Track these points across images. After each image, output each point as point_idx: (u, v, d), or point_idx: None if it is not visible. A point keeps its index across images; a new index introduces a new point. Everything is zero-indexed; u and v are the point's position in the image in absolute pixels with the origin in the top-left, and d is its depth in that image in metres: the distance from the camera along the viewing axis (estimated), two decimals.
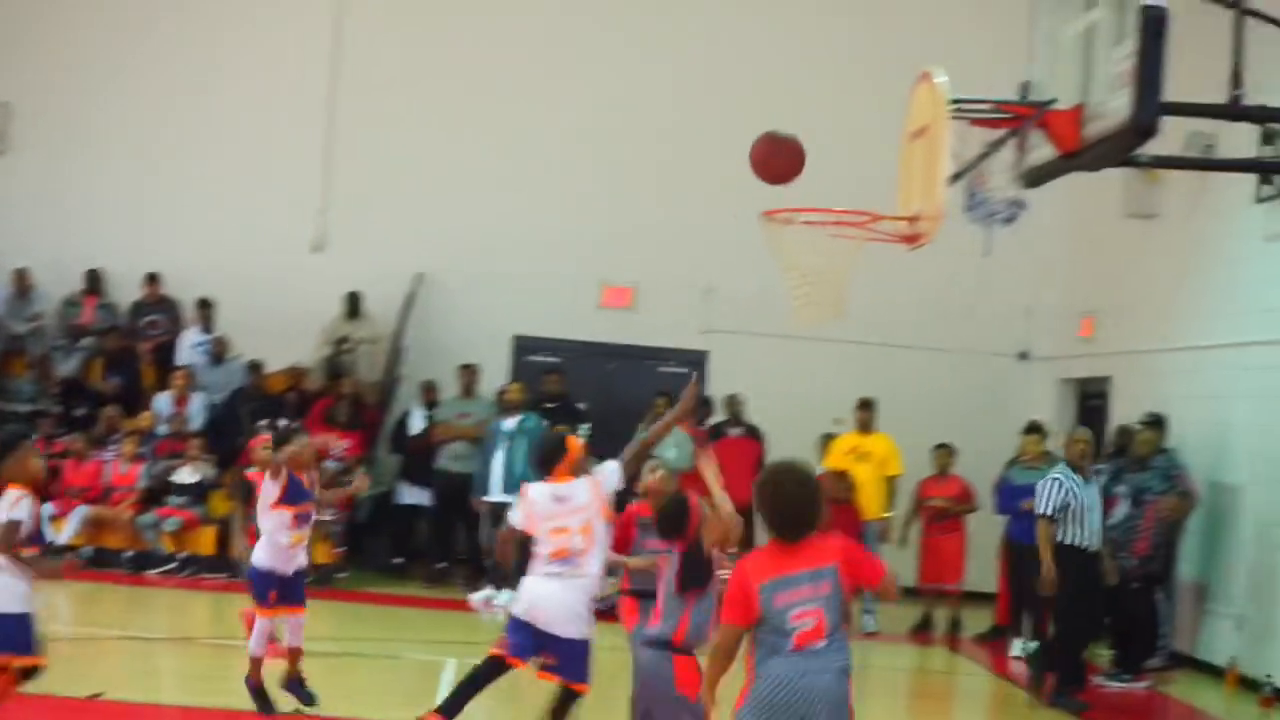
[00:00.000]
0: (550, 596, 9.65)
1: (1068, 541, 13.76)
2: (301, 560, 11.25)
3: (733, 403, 19.06)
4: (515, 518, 9.86)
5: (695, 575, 8.52)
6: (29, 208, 21.19)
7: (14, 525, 8.60)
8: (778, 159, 9.67)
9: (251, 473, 12.96)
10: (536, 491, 9.84)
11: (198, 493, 18.69)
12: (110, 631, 13.84)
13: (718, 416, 19.43)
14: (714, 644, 6.87)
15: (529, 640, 9.66)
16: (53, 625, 13.53)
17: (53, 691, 11.02)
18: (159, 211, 21.31)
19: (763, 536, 7.00)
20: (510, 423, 18.13)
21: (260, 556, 11.05)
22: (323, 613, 16.51)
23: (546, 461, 10.07)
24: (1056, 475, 13.92)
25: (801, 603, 6.62)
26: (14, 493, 8.74)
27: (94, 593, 17.19)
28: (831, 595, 6.67)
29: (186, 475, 18.84)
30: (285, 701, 10.99)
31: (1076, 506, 13.70)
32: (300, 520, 11.10)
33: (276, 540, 11.04)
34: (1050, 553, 13.75)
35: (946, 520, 18.03)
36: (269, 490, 11.02)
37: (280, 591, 11.04)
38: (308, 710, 11.02)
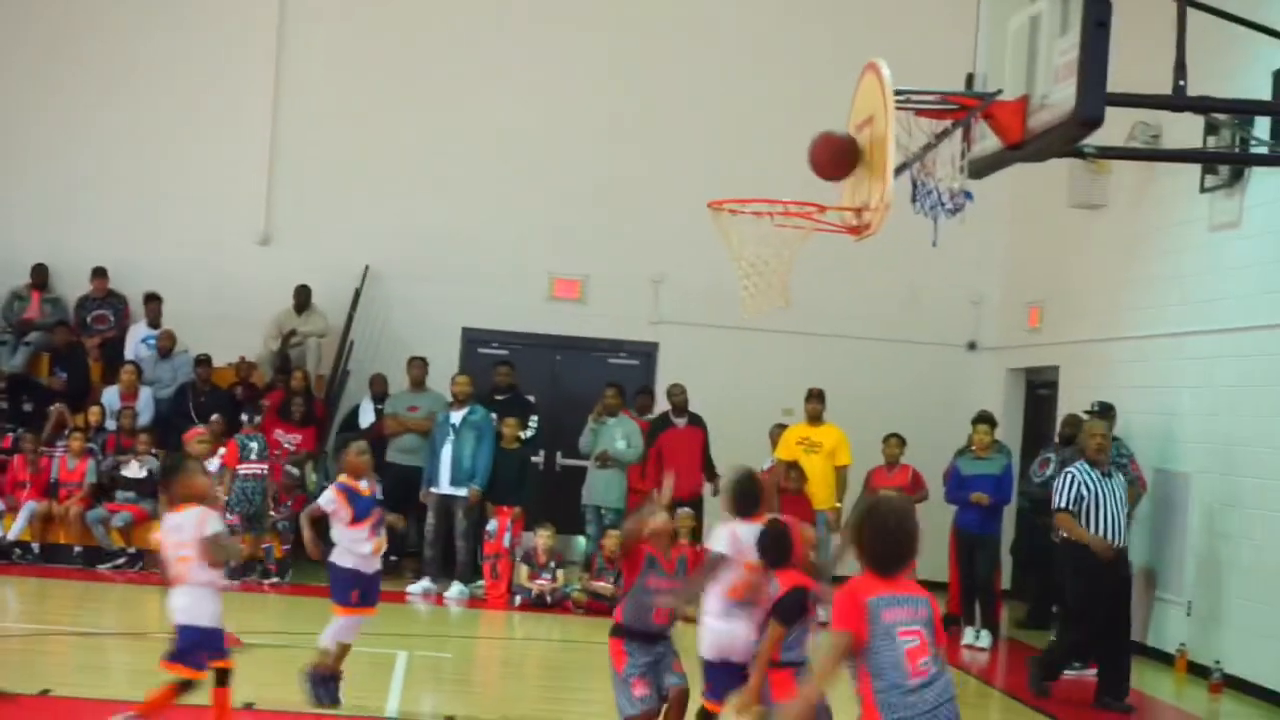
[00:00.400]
0: (740, 633, 9.40)
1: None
2: (379, 564, 11.45)
3: (676, 393, 19.04)
4: (720, 545, 9.47)
5: (795, 603, 8.73)
6: None
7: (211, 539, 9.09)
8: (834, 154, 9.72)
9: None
10: (746, 531, 9.52)
11: (146, 487, 18.59)
12: (60, 627, 13.77)
13: (661, 407, 19.40)
14: (826, 652, 6.79)
15: (730, 678, 9.42)
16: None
17: (1, 689, 11.01)
18: (105, 206, 21.21)
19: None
20: (457, 415, 18.10)
21: (344, 558, 11.21)
22: (272, 606, 16.55)
23: (750, 502, 9.73)
24: (1071, 469, 13.93)
25: (907, 622, 6.68)
26: (195, 510, 9.14)
27: (43, 588, 17.11)
28: (930, 622, 6.74)
29: (134, 470, 18.74)
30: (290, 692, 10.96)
31: (1090, 501, 13.65)
32: (375, 529, 11.26)
33: (358, 550, 11.21)
34: (1079, 532, 13.71)
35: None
36: (341, 513, 11.12)
37: (361, 591, 11.26)
38: (328, 709, 11.07)
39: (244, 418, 18.38)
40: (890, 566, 6.83)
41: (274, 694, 11.44)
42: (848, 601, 6.70)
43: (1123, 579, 13.95)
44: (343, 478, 11.35)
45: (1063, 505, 13.85)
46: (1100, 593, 13.70)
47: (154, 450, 19.01)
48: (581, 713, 11.07)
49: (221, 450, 17.83)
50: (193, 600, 9.21)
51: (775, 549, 8.98)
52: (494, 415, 18.52)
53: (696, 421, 18.92)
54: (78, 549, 18.42)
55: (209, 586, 9.27)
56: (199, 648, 9.21)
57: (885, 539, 6.89)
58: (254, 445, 18.01)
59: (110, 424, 19.35)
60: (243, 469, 17.83)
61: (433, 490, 18.01)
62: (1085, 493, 13.65)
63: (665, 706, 9.48)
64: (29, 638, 13.51)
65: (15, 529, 18.26)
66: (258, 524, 17.94)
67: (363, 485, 11.35)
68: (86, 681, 11.62)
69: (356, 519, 11.18)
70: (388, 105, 21.52)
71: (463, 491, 17.88)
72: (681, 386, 18.99)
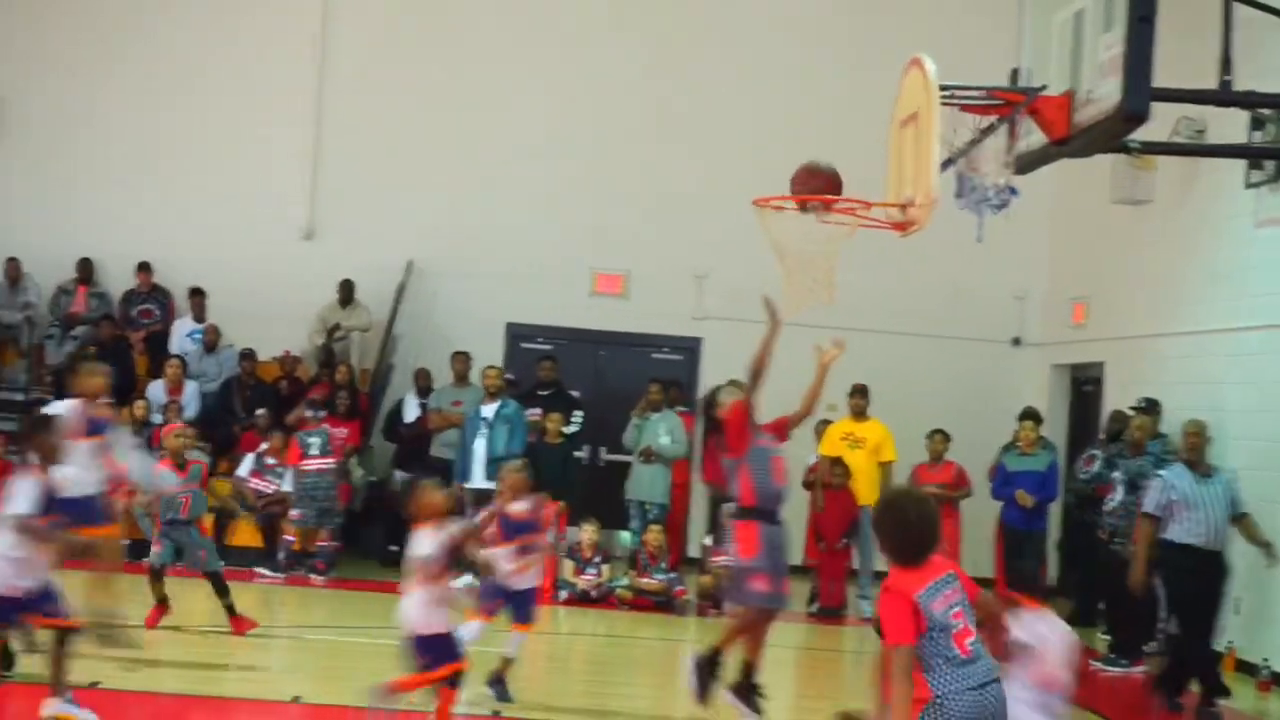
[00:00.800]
0: None
1: (1176, 540, 13.48)
2: (531, 581, 11.52)
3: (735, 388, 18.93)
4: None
5: None
6: (20, 197, 21.17)
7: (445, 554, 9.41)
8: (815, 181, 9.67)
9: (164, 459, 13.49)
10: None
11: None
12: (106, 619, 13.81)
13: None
14: (893, 670, 6.75)
15: None
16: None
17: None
18: (151, 200, 21.29)
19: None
20: (489, 408, 18.08)
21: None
22: (319, 600, 16.62)
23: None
24: (1163, 472, 13.76)
25: (951, 606, 6.75)
26: (428, 530, 9.45)
27: (89, 580, 17.15)
28: (965, 597, 6.83)
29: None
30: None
31: (1181, 503, 13.39)
32: (522, 551, 11.36)
33: (502, 567, 11.31)
34: (1144, 552, 13.57)
35: (941, 506, 18.02)
36: (489, 532, 11.21)
37: (514, 605, 11.41)
38: (503, 710, 11.24)
39: (308, 414, 18.48)
40: (918, 557, 6.85)
41: (324, 688, 11.50)
42: (899, 608, 6.71)
43: (1215, 584, 13.63)
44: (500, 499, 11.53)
45: (1147, 510, 13.68)
46: (1188, 596, 13.46)
47: (199, 444, 19.09)
48: (627, 709, 11.09)
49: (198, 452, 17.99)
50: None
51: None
52: (537, 410, 18.56)
53: None
54: (124, 542, 18.50)
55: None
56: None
57: (908, 530, 6.91)
58: (315, 441, 18.12)
59: (156, 418, 19.42)
60: (306, 464, 17.96)
61: (467, 486, 18.02)
62: (1175, 496, 13.40)
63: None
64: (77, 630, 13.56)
65: None
66: (327, 519, 18.08)
67: (517, 507, 11.47)
68: (135, 674, 11.66)
69: (504, 539, 11.36)
70: (432, 100, 21.56)
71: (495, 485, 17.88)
72: (739, 382, 18.90)
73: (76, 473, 11.11)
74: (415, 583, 9.42)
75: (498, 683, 11.46)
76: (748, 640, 10.96)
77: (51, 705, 9.71)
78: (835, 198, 9.86)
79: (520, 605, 11.48)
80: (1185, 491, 13.37)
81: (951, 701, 6.63)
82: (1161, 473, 13.81)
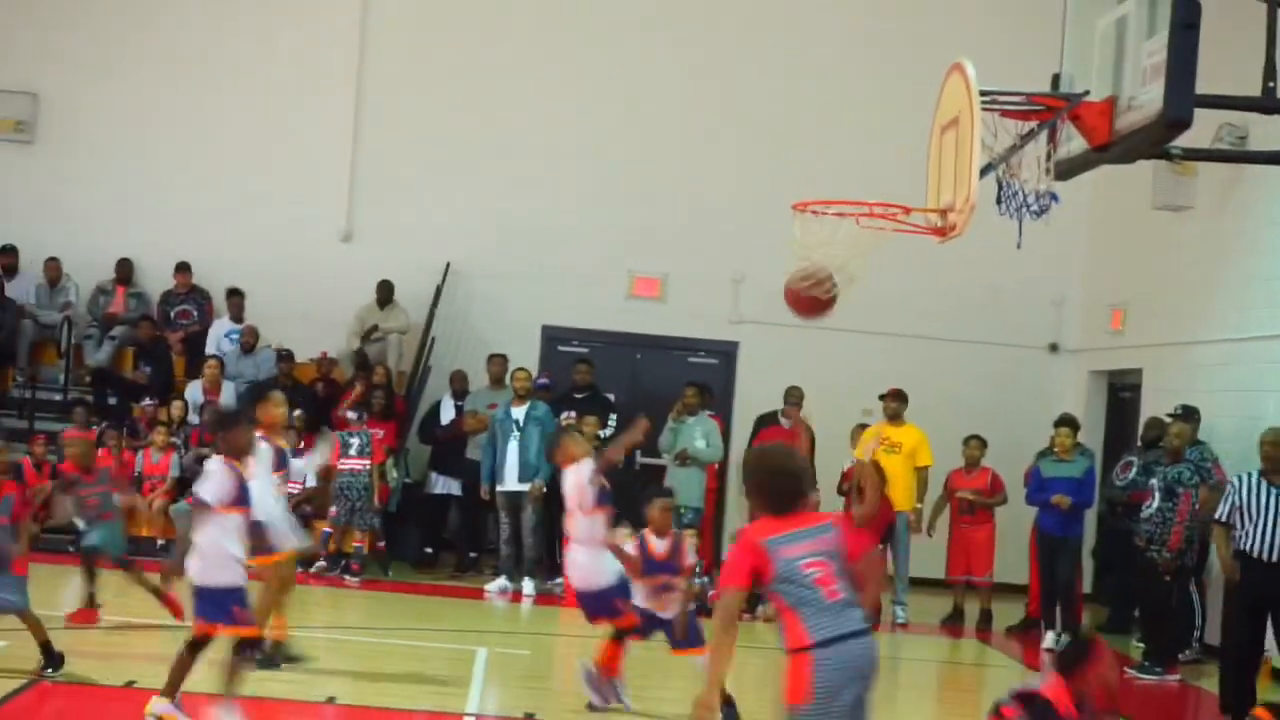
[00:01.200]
0: None
1: (1236, 547, 13.28)
2: (676, 608, 11.31)
3: (796, 396, 18.91)
4: None
5: None
6: (59, 197, 21.25)
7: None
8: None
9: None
10: None
11: None
12: (143, 620, 13.87)
13: (770, 405, 19.26)
14: (720, 611, 7.03)
15: None
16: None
17: (88, 679, 11.14)
18: (189, 201, 21.37)
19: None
20: (519, 411, 18.09)
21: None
22: (355, 602, 16.65)
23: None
24: (1233, 479, 13.62)
25: (807, 555, 6.83)
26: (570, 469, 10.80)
27: (127, 581, 17.23)
28: (834, 551, 6.90)
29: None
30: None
31: (1241, 510, 13.15)
32: (660, 590, 11.23)
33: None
34: (1224, 555, 13.44)
35: (976, 512, 18.02)
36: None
37: (668, 632, 11.28)
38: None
39: (350, 415, 18.56)
40: (784, 506, 6.99)
41: (358, 689, 11.53)
42: (743, 552, 6.92)
43: (1266, 589, 13.24)
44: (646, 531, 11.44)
45: (1216, 517, 13.55)
46: (1242, 606, 13.31)
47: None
48: (660, 712, 11.07)
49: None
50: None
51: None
52: (571, 413, 18.57)
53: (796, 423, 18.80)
54: (161, 542, 18.58)
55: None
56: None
57: (774, 479, 7.06)
58: (355, 441, 18.19)
59: (194, 418, 19.49)
60: (343, 464, 18.04)
61: (500, 489, 18.02)
62: (1239, 501, 13.17)
63: None
64: (113, 630, 13.62)
65: None
66: (360, 519, 18.14)
67: (656, 544, 11.36)
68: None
69: (644, 575, 11.26)
70: (470, 103, 21.59)
71: (528, 487, 17.91)
72: (797, 389, 18.88)
73: (260, 499, 11.22)
74: (573, 522, 10.39)
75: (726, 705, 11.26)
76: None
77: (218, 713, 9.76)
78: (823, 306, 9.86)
79: (675, 630, 11.30)
80: (1246, 500, 13.17)
81: (824, 647, 6.72)
82: (1233, 479, 13.68)
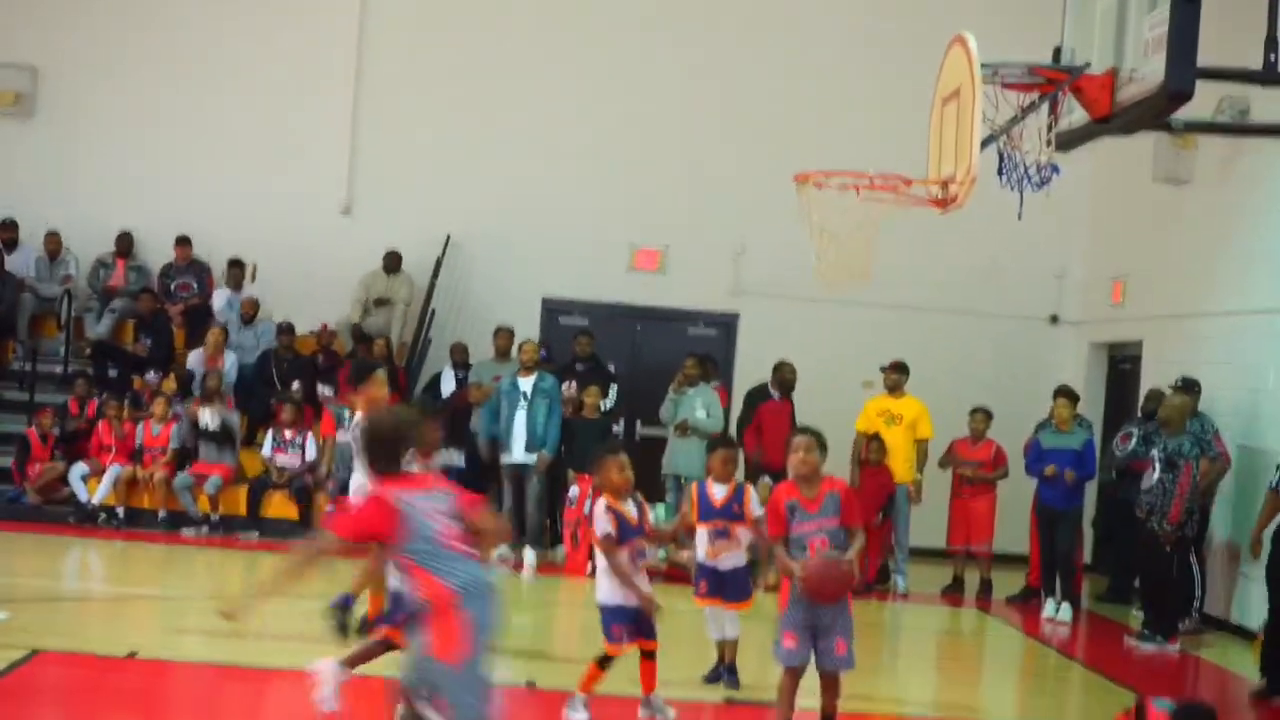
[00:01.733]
0: None
1: None
2: (738, 560, 11.42)
3: (789, 371, 18.92)
4: None
5: None
6: (59, 170, 21.27)
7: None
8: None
9: None
10: None
11: (222, 439, 18.80)
12: (144, 590, 13.94)
13: (760, 379, 19.27)
14: (317, 543, 7.42)
15: None
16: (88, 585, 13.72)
17: (90, 650, 11.17)
18: (190, 174, 21.35)
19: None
20: (527, 382, 18.10)
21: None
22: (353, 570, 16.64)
23: None
24: None
25: (438, 511, 7.14)
26: (602, 502, 10.17)
27: (127, 552, 17.31)
28: (454, 508, 7.22)
29: (207, 418, 18.87)
30: None
31: None
32: (719, 535, 11.34)
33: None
34: (1263, 523, 13.60)
35: (978, 483, 18.04)
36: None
37: (723, 585, 11.36)
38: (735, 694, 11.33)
39: (326, 392, 18.59)
40: (391, 464, 7.29)
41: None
42: (371, 503, 7.18)
43: None
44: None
45: (1271, 484, 13.71)
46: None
47: (233, 408, 19.27)
48: (661, 679, 11.11)
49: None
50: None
51: None
52: (571, 384, 18.60)
53: (789, 395, 18.83)
54: (162, 513, 18.64)
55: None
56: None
57: (382, 440, 7.35)
58: (347, 413, 18.23)
59: (196, 389, 19.47)
60: (342, 436, 18.06)
61: (506, 461, 18.04)
62: None
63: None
64: (115, 601, 13.67)
65: (100, 493, 18.49)
66: None
67: (716, 491, 11.52)
68: (172, 644, 11.75)
69: (701, 519, 11.44)
70: (470, 75, 21.56)
71: (534, 459, 17.93)
72: (793, 366, 18.87)
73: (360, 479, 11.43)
74: (599, 554, 10.16)
75: (728, 669, 11.54)
76: None
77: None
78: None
79: (730, 585, 11.39)
80: None
81: (470, 592, 6.99)
82: None
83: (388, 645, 9.59)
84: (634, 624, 10.17)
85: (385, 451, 7.33)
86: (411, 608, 7.36)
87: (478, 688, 7.00)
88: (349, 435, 11.64)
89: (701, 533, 11.40)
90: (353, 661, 9.72)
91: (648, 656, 10.24)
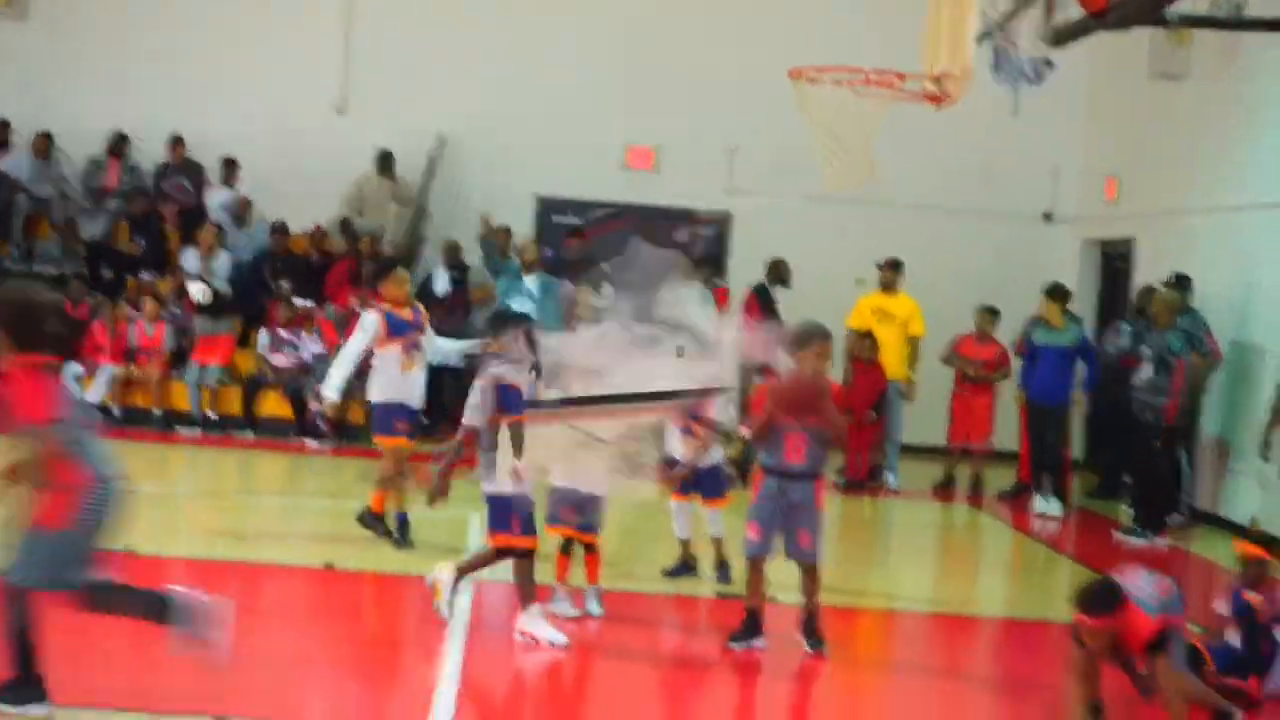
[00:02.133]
0: None
1: None
2: (716, 457, 11.42)
3: (779, 268, 18.93)
4: None
5: None
6: (50, 72, 21.12)
7: None
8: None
9: None
10: None
11: (215, 313, 18.90)
12: (139, 488, 13.96)
13: (759, 279, 19.25)
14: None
15: None
16: None
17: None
18: (183, 73, 21.18)
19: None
20: (532, 281, 18.08)
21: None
22: (352, 468, 16.73)
23: None
24: None
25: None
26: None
27: (122, 450, 17.32)
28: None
29: (197, 293, 18.90)
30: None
31: None
32: (688, 432, 11.19)
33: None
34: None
35: (979, 381, 18.02)
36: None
37: (701, 482, 11.37)
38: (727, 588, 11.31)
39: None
40: (61, 348, 7.38)
41: (354, 554, 11.63)
42: (41, 388, 7.05)
43: None
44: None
45: None
46: None
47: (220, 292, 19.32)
48: (645, 574, 11.24)
49: None
50: None
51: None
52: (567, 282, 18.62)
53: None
54: (157, 412, 18.66)
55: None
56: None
57: (33, 317, 7.14)
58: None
59: (193, 287, 19.38)
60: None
61: None
62: None
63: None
64: None
65: (94, 393, 18.49)
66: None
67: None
68: (169, 540, 11.80)
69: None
70: None
71: None
72: (783, 262, 18.88)
73: (384, 375, 12.13)
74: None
75: (718, 567, 11.54)
76: None
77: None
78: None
79: (706, 481, 11.40)
80: None
81: (108, 482, 7.38)
82: None
83: (500, 553, 9.64)
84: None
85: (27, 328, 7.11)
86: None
87: None
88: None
89: (676, 432, 11.27)
90: (467, 568, 9.79)
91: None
